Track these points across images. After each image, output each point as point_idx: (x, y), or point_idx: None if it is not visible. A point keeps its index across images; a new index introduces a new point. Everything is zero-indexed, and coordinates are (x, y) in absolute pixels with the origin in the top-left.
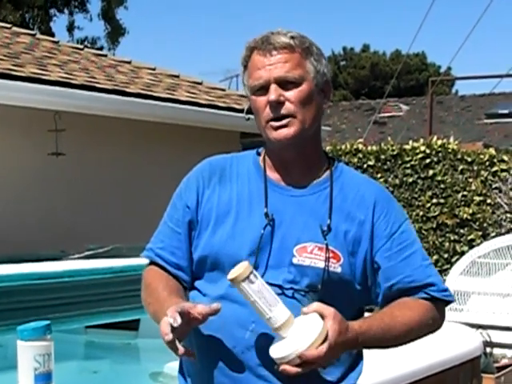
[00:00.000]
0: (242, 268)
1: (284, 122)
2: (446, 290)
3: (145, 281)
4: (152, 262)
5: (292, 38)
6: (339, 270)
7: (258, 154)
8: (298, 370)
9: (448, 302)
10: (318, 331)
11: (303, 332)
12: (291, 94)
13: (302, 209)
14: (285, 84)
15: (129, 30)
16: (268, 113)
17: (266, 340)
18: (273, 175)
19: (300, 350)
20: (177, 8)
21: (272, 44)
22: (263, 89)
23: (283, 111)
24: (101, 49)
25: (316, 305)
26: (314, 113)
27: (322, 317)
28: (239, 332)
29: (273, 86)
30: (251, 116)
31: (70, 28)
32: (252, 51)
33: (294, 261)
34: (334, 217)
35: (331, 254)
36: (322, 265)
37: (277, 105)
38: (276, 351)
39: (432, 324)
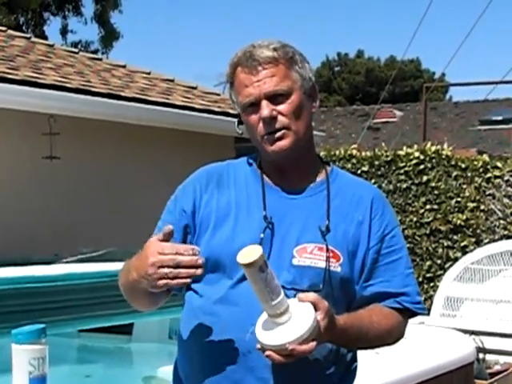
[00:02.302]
0: (256, 255)
1: (279, 134)
2: (420, 302)
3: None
4: None
5: (275, 50)
6: (339, 269)
7: (252, 160)
8: (282, 360)
9: (417, 314)
10: (310, 325)
11: (297, 324)
12: (283, 108)
13: (300, 211)
14: (275, 98)
15: (123, 34)
16: (262, 128)
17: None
18: (270, 180)
19: (292, 344)
20: (169, 12)
21: (256, 60)
22: (254, 105)
23: (277, 125)
24: (95, 52)
25: (312, 295)
26: (307, 120)
27: (315, 308)
28: (239, 334)
29: (264, 102)
30: (243, 128)
31: (64, 32)
32: (236, 68)
33: (294, 262)
34: (332, 218)
35: (331, 254)
36: (322, 265)
37: (270, 120)
38: (267, 337)
39: (396, 337)
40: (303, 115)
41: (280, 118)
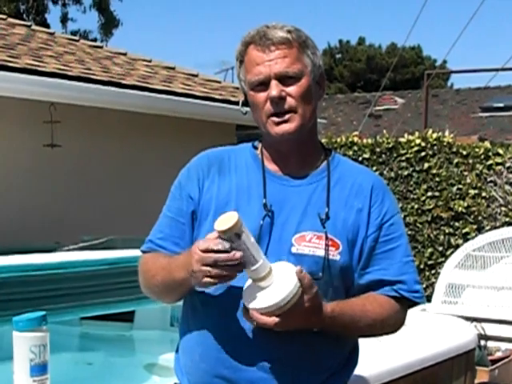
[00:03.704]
0: (232, 221)
1: (286, 117)
2: (417, 291)
3: (142, 262)
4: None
5: (289, 32)
6: (338, 257)
7: (255, 147)
8: (254, 322)
9: (416, 303)
10: (278, 303)
11: (270, 295)
12: (292, 90)
13: (300, 198)
14: (284, 79)
15: (122, 21)
16: (269, 108)
17: (267, 330)
18: (271, 166)
19: (256, 309)
20: (170, 1)
21: (270, 39)
22: (263, 84)
23: (285, 106)
24: (94, 40)
25: (307, 279)
26: (313, 106)
27: (303, 290)
28: (239, 322)
29: (273, 82)
30: (248, 109)
31: (64, 20)
32: (248, 46)
33: (293, 250)
34: (332, 205)
35: (330, 242)
36: (320, 253)
37: (278, 100)
38: (249, 299)
39: (393, 326)
40: (310, 100)
41: (288, 99)
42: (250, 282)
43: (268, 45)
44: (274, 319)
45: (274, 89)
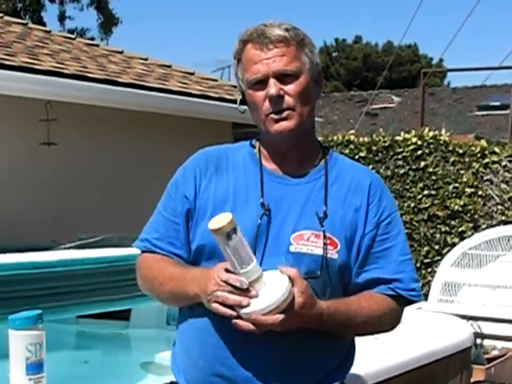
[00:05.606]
0: (224, 222)
1: (284, 114)
2: (414, 289)
3: (144, 265)
4: (145, 252)
5: (286, 30)
6: (336, 256)
7: (252, 145)
8: (250, 327)
9: (413, 301)
10: (279, 299)
11: (265, 295)
12: (290, 88)
13: (298, 197)
14: (283, 78)
15: (122, 19)
16: (267, 107)
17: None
18: (269, 165)
19: (255, 314)
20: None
21: (268, 38)
22: (261, 83)
23: (284, 105)
24: (92, 39)
25: (293, 270)
26: (311, 104)
27: (293, 284)
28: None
29: (272, 81)
30: (245, 108)
31: (61, 18)
32: (246, 44)
33: (291, 249)
34: (330, 204)
35: (328, 241)
36: (318, 252)
37: (277, 99)
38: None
39: (389, 324)
40: (309, 98)
41: (286, 97)
42: None
43: (266, 43)
44: (279, 317)
45: (273, 87)
